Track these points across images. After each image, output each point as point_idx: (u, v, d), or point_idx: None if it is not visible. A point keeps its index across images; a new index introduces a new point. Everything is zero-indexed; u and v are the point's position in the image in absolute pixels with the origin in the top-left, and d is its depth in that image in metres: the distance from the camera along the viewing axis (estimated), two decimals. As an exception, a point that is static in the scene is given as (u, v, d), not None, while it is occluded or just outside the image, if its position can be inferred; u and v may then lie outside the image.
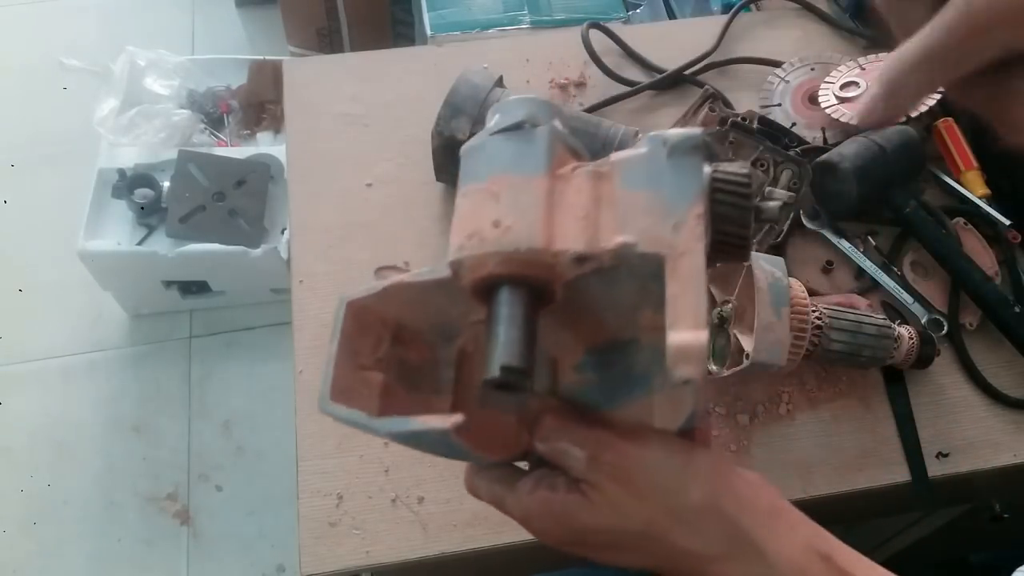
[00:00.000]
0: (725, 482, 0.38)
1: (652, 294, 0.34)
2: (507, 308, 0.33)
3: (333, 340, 0.39)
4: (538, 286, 0.34)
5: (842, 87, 0.88)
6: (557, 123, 0.37)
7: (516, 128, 0.36)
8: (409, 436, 0.36)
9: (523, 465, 0.43)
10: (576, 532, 0.39)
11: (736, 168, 0.35)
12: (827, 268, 0.81)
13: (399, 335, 0.40)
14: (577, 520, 0.38)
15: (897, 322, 0.74)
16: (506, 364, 0.32)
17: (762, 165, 0.79)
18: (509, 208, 0.34)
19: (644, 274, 0.34)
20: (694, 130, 0.34)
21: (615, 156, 0.35)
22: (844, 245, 0.81)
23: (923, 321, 0.78)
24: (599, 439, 0.37)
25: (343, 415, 0.37)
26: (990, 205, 0.84)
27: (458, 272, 0.35)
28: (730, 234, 0.34)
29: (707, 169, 0.34)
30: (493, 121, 0.37)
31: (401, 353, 0.40)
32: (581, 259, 0.33)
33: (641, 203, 0.33)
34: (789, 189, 0.78)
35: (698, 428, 0.40)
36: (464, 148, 0.37)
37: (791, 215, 0.79)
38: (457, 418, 0.34)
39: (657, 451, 0.37)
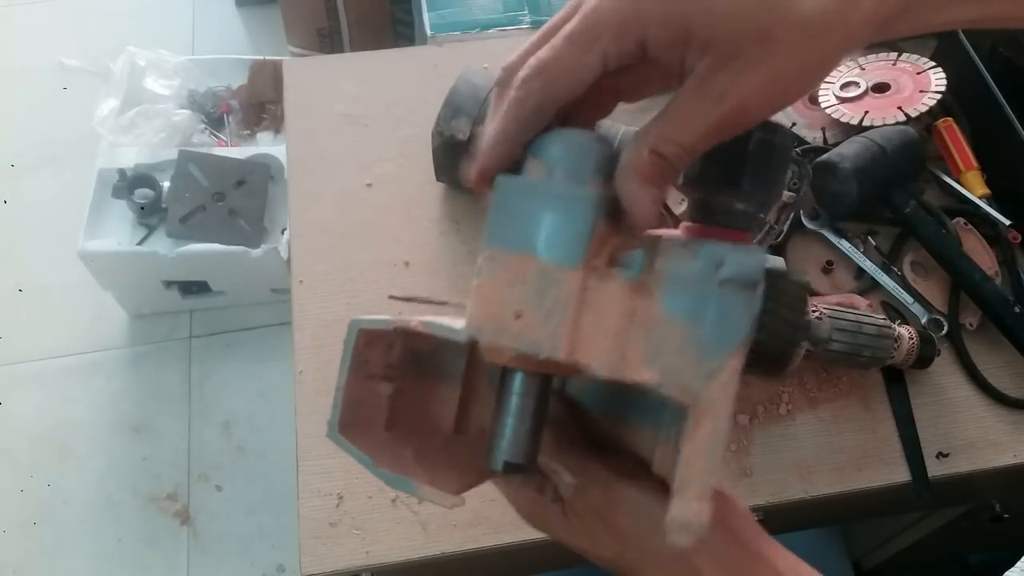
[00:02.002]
0: (703, 536, 0.38)
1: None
2: (519, 398, 0.32)
3: (343, 368, 0.36)
4: (554, 373, 0.33)
5: (842, 87, 0.88)
6: (600, 182, 0.32)
7: (561, 183, 0.32)
8: (408, 490, 0.36)
9: None
10: (553, 535, 0.40)
11: (796, 279, 0.32)
12: (827, 268, 0.81)
13: (409, 332, 0.39)
14: (555, 529, 0.39)
15: (897, 322, 0.74)
16: (509, 461, 0.32)
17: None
18: (535, 301, 0.31)
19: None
20: (757, 257, 0.29)
21: (660, 264, 0.31)
22: (844, 245, 0.81)
23: (923, 321, 0.78)
24: (590, 472, 0.37)
25: (350, 450, 0.36)
26: (990, 205, 0.84)
27: (473, 346, 0.33)
28: (771, 357, 0.31)
29: (760, 289, 0.30)
30: (538, 161, 0.33)
31: (411, 343, 0.38)
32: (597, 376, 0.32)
33: (677, 335, 0.30)
34: (789, 189, 0.78)
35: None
36: (499, 183, 0.33)
37: (791, 215, 0.79)
38: (458, 500, 0.34)
39: (644, 494, 0.37)
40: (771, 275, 0.31)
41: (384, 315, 0.35)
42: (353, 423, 0.36)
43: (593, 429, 0.40)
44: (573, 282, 0.31)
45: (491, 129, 0.33)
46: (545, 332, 0.31)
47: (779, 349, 0.31)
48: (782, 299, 0.31)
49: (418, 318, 0.34)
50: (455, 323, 0.33)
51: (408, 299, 0.38)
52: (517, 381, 0.33)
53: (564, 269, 0.31)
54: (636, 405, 0.38)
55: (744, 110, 0.30)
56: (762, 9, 0.28)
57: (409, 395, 0.38)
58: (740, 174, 0.35)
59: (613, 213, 0.32)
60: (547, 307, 0.31)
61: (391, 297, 0.39)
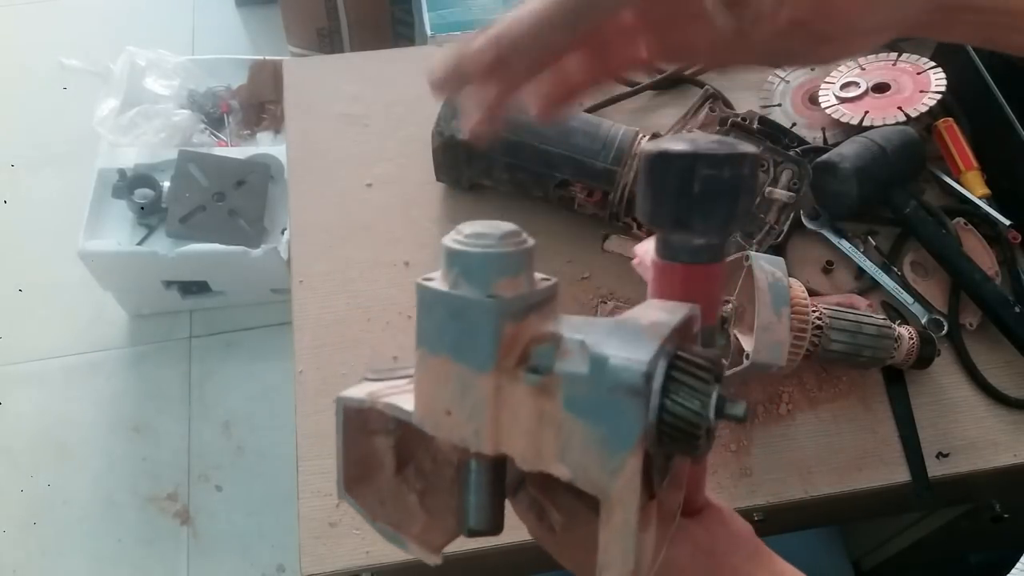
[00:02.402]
0: (687, 561, 0.41)
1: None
2: (475, 475, 0.35)
3: (337, 437, 0.40)
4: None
5: (842, 87, 0.88)
6: (509, 280, 0.33)
7: (466, 290, 0.33)
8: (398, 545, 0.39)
9: None
10: (551, 554, 0.43)
11: (697, 357, 0.32)
12: (827, 268, 0.81)
13: None
14: (551, 551, 0.43)
15: (897, 322, 0.74)
16: (472, 528, 0.36)
17: (762, 165, 0.79)
18: (458, 401, 0.33)
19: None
20: (638, 361, 0.30)
21: (558, 367, 0.32)
22: (844, 245, 0.81)
23: (923, 321, 0.78)
24: (574, 510, 0.40)
25: (354, 507, 0.40)
26: (990, 205, 0.84)
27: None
28: (675, 437, 0.32)
29: (661, 367, 0.32)
30: (446, 268, 0.34)
31: None
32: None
33: (580, 434, 0.32)
34: (789, 189, 0.78)
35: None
36: (419, 287, 0.34)
37: (791, 215, 0.79)
38: (437, 559, 0.38)
39: None
40: (671, 364, 0.32)
41: (361, 395, 0.38)
42: (361, 476, 0.40)
43: None
44: (487, 385, 0.33)
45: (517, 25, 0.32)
46: (470, 430, 0.33)
47: (685, 435, 0.32)
48: (684, 380, 0.32)
49: (383, 400, 0.37)
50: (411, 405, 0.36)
51: (379, 379, 0.40)
52: (472, 464, 0.35)
53: (477, 374, 0.33)
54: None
55: None
56: None
57: (417, 436, 0.39)
58: (688, 215, 0.35)
59: (522, 308, 0.33)
60: (468, 408, 0.33)
61: (363, 380, 0.41)
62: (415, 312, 0.34)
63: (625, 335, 0.32)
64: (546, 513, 0.41)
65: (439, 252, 0.34)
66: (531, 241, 0.33)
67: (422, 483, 0.41)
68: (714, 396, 0.31)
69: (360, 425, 0.39)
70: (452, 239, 0.33)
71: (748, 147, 0.34)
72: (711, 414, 0.31)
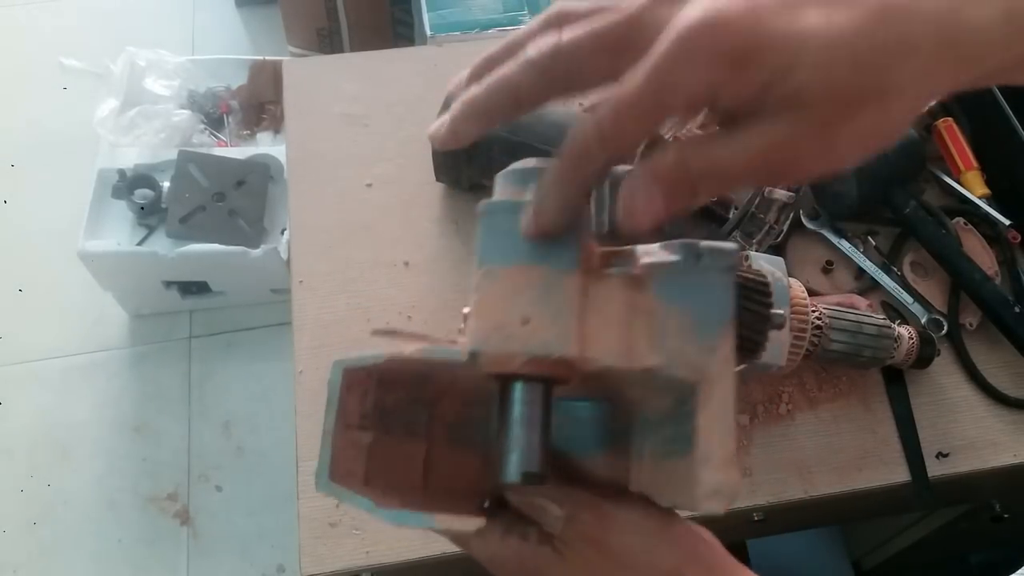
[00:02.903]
0: (690, 545, 0.38)
1: (666, 394, 0.34)
2: (526, 408, 0.33)
3: (329, 411, 0.36)
4: (554, 380, 0.33)
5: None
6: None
7: None
8: (420, 528, 0.35)
9: None
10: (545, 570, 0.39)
11: (756, 275, 0.35)
12: (827, 268, 0.81)
13: (380, 382, 0.38)
14: (546, 574, 0.38)
15: (897, 322, 0.74)
16: (527, 471, 0.32)
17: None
18: (539, 306, 0.32)
19: (668, 387, 0.33)
20: (727, 246, 0.33)
21: (646, 260, 0.33)
22: (844, 245, 0.81)
23: (923, 321, 0.78)
24: (577, 499, 0.37)
25: (345, 497, 0.35)
26: (990, 205, 0.84)
27: (476, 362, 0.33)
28: (745, 338, 0.34)
29: (735, 271, 0.33)
30: (515, 186, 0.34)
31: (380, 395, 0.38)
32: (606, 370, 0.33)
33: (675, 320, 0.32)
34: (789, 189, 0.78)
35: None
36: (483, 208, 0.34)
37: (791, 215, 0.79)
38: (480, 522, 0.34)
39: (634, 512, 0.37)
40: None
41: (370, 351, 0.35)
42: (336, 474, 0.35)
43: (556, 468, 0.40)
44: (574, 284, 0.32)
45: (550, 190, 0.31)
46: (554, 332, 0.31)
47: (749, 339, 0.36)
48: (747, 294, 0.37)
49: (412, 346, 0.35)
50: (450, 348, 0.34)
51: (391, 332, 0.38)
52: (520, 391, 0.33)
53: (563, 273, 0.32)
54: (594, 438, 0.39)
55: (796, 159, 0.28)
56: (856, 77, 0.26)
57: (380, 451, 0.37)
58: None
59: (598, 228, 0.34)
60: (553, 310, 0.32)
61: (374, 333, 0.39)
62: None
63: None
64: (529, 530, 0.37)
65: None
66: None
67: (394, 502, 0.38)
68: (772, 304, 0.34)
69: (342, 411, 0.36)
70: (520, 165, 0.34)
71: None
72: (773, 313, 0.35)
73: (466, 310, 0.33)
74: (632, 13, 0.29)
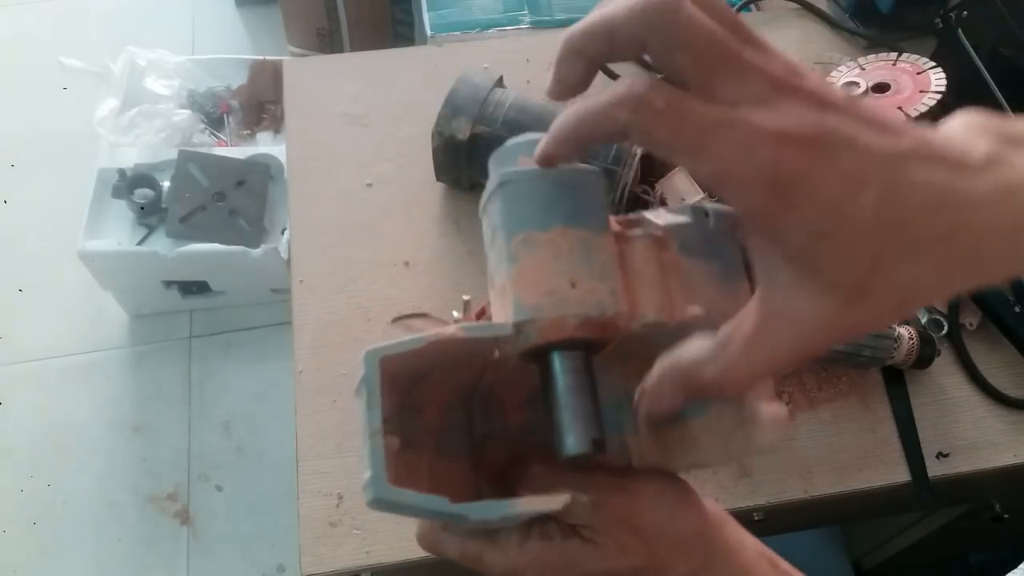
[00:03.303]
0: (702, 506, 0.40)
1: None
2: (573, 377, 0.32)
3: (372, 407, 0.32)
4: (593, 346, 0.33)
5: (842, 87, 0.88)
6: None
7: (565, 172, 0.33)
8: (498, 519, 0.33)
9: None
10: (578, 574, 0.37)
11: None
12: (827, 268, 0.81)
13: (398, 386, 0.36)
14: (580, 567, 0.36)
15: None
16: (596, 438, 0.32)
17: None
18: (585, 266, 0.32)
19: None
20: (729, 208, 0.35)
21: (662, 221, 0.35)
22: (844, 245, 0.81)
23: (923, 321, 0.78)
24: (598, 482, 0.36)
25: (413, 502, 0.31)
26: (990, 205, 0.84)
27: (525, 331, 0.31)
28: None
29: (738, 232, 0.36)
30: (522, 158, 0.34)
31: (392, 400, 0.35)
32: (652, 325, 0.33)
33: (702, 273, 0.34)
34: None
35: None
36: (505, 176, 0.34)
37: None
38: (565, 498, 0.33)
39: (654, 487, 0.38)
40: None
41: (407, 336, 0.32)
42: (392, 477, 0.31)
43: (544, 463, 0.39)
44: (610, 244, 0.33)
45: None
46: (605, 292, 0.32)
47: None
48: None
49: (454, 326, 0.33)
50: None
51: (411, 316, 0.37)
52: (563, 361, 0.32)
53: (599, 234, 0.33)
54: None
55: (824, 340, 0.28)
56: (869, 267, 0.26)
57: (402, 460, 0.34)
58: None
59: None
60: (598, 271, 0.32)
61: (395, 321, 0.38)
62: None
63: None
64: (549, 528, 0.36)
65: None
66: None
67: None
68: None
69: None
70: (522, 138, 0.35)
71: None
72: None
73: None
74: None
